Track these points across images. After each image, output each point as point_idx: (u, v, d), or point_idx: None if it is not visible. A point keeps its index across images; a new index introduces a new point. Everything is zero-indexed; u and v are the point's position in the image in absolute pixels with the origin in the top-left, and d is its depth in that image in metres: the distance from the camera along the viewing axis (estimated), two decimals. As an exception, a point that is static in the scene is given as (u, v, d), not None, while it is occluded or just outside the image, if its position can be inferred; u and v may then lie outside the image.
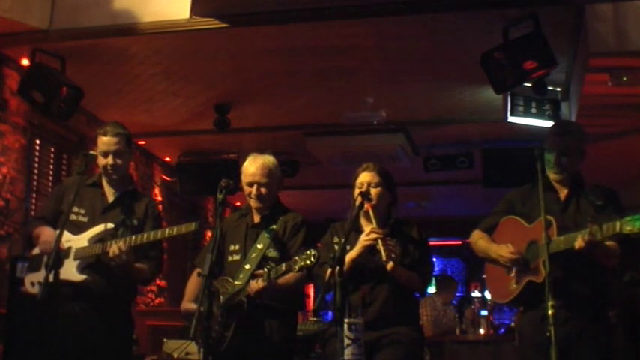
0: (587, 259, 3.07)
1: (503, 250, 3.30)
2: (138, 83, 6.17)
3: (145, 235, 3.50)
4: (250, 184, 3.61)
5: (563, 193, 3.35)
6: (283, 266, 3.31)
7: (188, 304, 3.64)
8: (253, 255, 3.53)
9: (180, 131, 7.55)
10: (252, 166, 3.63)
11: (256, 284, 3.33)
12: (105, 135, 3.69)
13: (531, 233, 3.25)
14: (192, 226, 3.41)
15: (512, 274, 3.29)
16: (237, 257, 3.56)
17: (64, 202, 3.66)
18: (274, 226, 3.59)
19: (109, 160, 3.66)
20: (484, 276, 3.60)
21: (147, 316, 6.68)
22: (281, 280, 3.38)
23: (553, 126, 3.53)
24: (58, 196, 3.79)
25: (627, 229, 2.85)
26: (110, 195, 3.74)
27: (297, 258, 3.25)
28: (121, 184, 3.78)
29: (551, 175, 3.36)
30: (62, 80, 5.32)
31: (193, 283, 3.74)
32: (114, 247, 3.43)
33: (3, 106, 5.61)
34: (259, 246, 3.54)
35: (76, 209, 3.59)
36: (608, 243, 3.09)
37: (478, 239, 3.52)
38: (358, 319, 2.90)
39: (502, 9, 4.70)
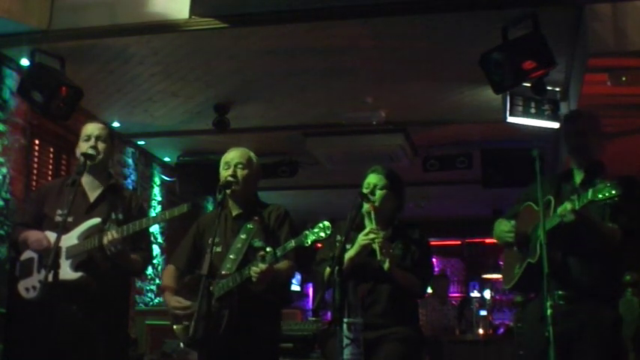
0: (585, 241, 3.08)
1: (506, 226, 3.40)
2: (137, 83, 6.17)
3: (139, 223, 3.46)
4: (228, 166, 3.57)
5: (579, 178, 3.36)
6: (293, 242, 3.24)
7: (174, 302, 3.52)
8: (238, 245, 3.44)
9: (180, 131, 7.54)
10: (233, 152, 3.64)
11: (261, 266, 3.20)
12: (90, 123, 3.74)
13: (538, 216, 3.26)
14: (185, 208, 3.37)
15: (519, 257, 3.31)
16: (218, 249, 3.44)
17: (45, 205, 3.64)
18: (257, 217, 3.52)
19: (91, 142, 3.61)
20: (500, 263, 3.66)
21: (147, 316, 6.67)
22: (276, 267, 3.30)
23: (564, 117, 3.61)
24: (38, 200, 3.74)
25: (599, 196, 2.91)
26: (91, 192, 3.66)
27: (307, 232, 3.19)
28: (101, 178, 3.70)
29: (572, 160, 3.40)
30: (62, 80, 5.31)
31: (169, 276, 3.69)
32: (108, 235, 3.39)
33: (3, 106, 5.61)
34: (243, 236, 3.46)
35: (59, 211, 3.53)
36: (608, 225, 3.11)
37: (498, 224, 3.53)
38: (357, 319, 2.90)
39: (502, 9, 4.70)
